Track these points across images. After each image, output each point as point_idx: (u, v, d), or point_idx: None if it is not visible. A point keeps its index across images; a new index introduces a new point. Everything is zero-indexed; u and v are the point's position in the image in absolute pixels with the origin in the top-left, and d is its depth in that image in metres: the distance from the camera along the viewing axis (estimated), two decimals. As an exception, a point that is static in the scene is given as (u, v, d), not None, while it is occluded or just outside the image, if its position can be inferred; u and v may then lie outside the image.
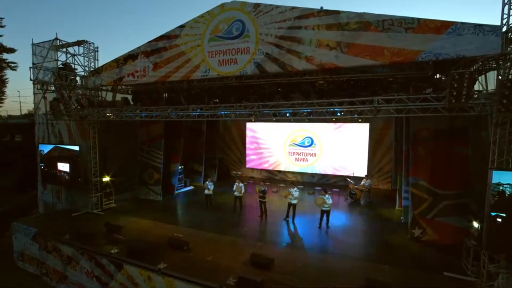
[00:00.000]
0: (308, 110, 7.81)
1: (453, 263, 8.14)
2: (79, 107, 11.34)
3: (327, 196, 10.93)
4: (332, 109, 7.64)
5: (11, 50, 23.14)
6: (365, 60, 7.33)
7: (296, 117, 8.20)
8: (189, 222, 12.39)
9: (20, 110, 40.39)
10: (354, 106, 7.34)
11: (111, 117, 11.33)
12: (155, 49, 10.57)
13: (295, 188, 11.64)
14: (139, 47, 11.00)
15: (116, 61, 11.61)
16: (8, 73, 25.50)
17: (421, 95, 6.75)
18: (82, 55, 13.37)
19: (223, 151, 21.82)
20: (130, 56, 11.22)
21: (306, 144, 19.06)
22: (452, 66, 6.86)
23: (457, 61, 6.53)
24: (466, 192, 9.35)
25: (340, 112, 7.82)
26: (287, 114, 8.33)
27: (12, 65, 23.93)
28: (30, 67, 11.71)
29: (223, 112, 8.97)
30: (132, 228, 11.22)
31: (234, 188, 12.64)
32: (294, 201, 11.49)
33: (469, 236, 7.85)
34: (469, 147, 9.32)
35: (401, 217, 11.91)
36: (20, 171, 21.38)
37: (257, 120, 20.44)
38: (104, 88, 12.91)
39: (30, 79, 11.60)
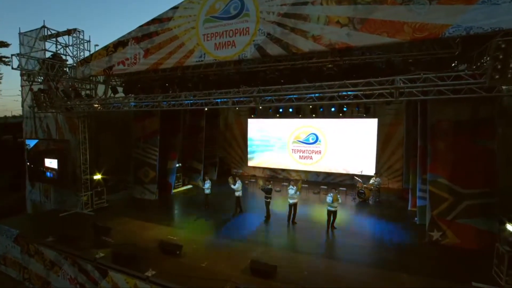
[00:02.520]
0: (317, 95, 6.85)
1: (481, 271, 7.14)
2: (65, 98, 10.44)
3: (330, 195, 10.00)
4: (344, 93, 6.65)
5: (4, 44, 22.36)
6: (381, 37, 6.36)
7: (303, 103, 7.19)
8: (185, 224, 11.48)
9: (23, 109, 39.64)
10: (372, 87, 6.33)
11: (98, 107, 10.43)
12: (147, 34, 9.66)
13: (290, 186, 10.67)
14: (129, 33, 10.09)
15: (105, 48, 10.71)
16: (7, 69, 24.77)
17: (452, 72, 5.76)
18: (72, 45, 12.54)
19: (224, 149, 20.94)
20: (121, 43, 10.32)
21: (311, 141, 18.09)
22: (485, 43, 5.86)
23: (491, 36, 5.54)
24: (491, 191, 8.38)
25: (356, 93, 6.62)
26: (293, 100, 7.27)
27: (6, 59, 23.15)
28: (12, 55, 10.87)
29: (219, 100, 8.05)
30: (123, 229, 10.33)
31: (235, 187, 11.66)
32: (291, 201, 10.58)
33: (501, 240, 6.85)
34: (495, 140, 8.32)
35: (415, 218, 10.93)
36: (16, 170, 20.69)
37: (258, 116, 19.78)
38: (93, 79, 11.98)
39: (12, 68, 10.75)
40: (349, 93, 6.53)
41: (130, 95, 10.60)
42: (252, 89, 7.49)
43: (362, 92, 6.45)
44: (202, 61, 8.59)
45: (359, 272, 7.45)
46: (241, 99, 7.75)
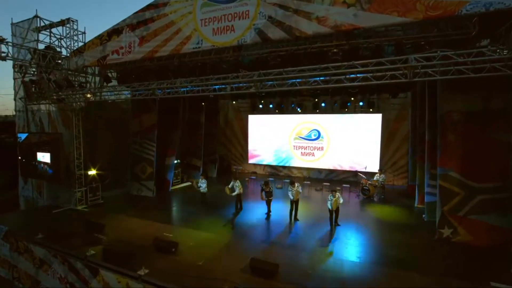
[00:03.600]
0: (322, 78, 6.36)
1: (497, 270, 6.66)
2: (56, 88, 9.97)
3: (337, 195, 9.55)
4: (353, 75, 6.13)
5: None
6: (391, 17, 5.86)
7: (307, 87, 6.66)
8: (182, 221, 11.05)
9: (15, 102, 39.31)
10: (383, 67, 5.82)
11: (91, 97, 9.96)
12: (142, 20, 9.19)
13: (297, 184, 10.21)
14: (124, 20, 9.61)
15: (99, 37, 10.24)
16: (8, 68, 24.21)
17: (474, 49, 5.26)
18: (66, 37, 12.09)
19: (224, 146, 20.48)
20: (115, 31, 9.84)
21: (313, 137, 17.62)
22: (505, 23, 5.37)
23: (512, 15, 5.06)
24: (505, 185, 7.90)
25: (365, 76, 6.05)
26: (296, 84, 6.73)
27: (3, 54, 22.59)
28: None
29: (216, 87, 7.57)
30: (117, 226, 9.87)
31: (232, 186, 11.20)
32: (293, 197, 10.13)
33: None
34: (511, 133, 7.83)
35: (423, 215, 10.45)
36: (16, 168, 20.33)
37: (259, 112, 19.25)
38: (88, 70, 11.50)
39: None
40: (358, 75, 6.03)
41: (120, 85, 10.10)
42: (252, 73, 7.00)
43: (372, 74, 5.96)
44: (199, 47, 8.11)
45: (367, 271, 6.98)
46: (241, 84, 7.28)
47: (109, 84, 9.93)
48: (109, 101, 11.41)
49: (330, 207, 9.59)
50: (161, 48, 8.82)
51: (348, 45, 6.70)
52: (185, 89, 8.15)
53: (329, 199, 9.62)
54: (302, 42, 7.37)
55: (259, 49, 7.95)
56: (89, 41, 10.61)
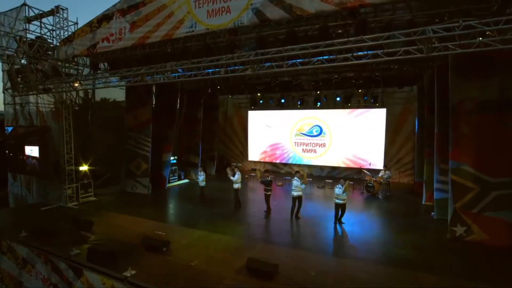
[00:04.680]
0: (326, 57, 5.74)
1: (520, 272, 6.06)
2: (43, 78, 9.39)
3: (346, 183, 8.95)
4: (362, 53, 5.49)
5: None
6: (402, -10, 5.29)
7: (310, 67, 6.02)
8: (177, 219, 10.54)
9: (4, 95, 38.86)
10: (396, 40, 5.17)
11: (79, 86, 9.38)
12: (133, 5, 8.62)
13: (295, 178, 9.59)
14: (114, 5, 9.05)
15: (89, 24, 9.67)
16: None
17: (503, 17, 4.63)
18: (57, 27, 11.53)
19: (224, 143, 19.94)
20: (105, 17, 9.27)
21: (315, 133, 17.06)
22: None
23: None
24: (524, 179, 7.28)
25: (375, 52, 5.38)
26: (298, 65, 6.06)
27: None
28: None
29: (210, 70, 6.97)
30: (108, 224, 9.31)
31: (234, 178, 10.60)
32: (295, 193, 9.49)
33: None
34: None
35: (432, 213, 9.86)
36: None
37: (259, 108, 18.65)
38: (78, 60, 10.92)
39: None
40: (367, 52, 5.41)
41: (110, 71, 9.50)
42: (248, 53, 6.41)
43: (382, 51, 5.34)
44: (193, 31, 7.52)
45: (374, 272, 6.38)
46: (236, 67, 6.67)
47: (97, 72, 9.33)
48: (99, 91, 10.80)
49: (339, 192, 8.88)
50: (152, 33, 8.24)
51: (355, 24, 6.04)
52: (176, 74, 7.56)
53: (338, 187, 8.98)
54: (304, 22, 6.77)
55: (257, 32, 7.33)
56: (79, 28, 10.06)
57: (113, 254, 6.61)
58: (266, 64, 6.34)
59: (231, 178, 10.52)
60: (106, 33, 9.26)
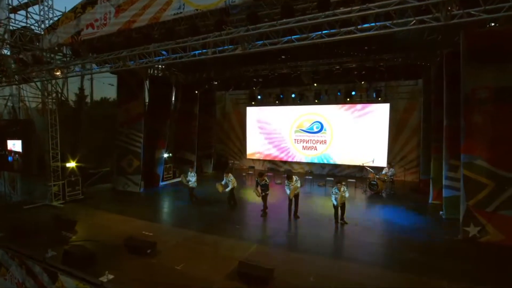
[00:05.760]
0: (326, 32, 5.05)
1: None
2: (22, 66, 8.76)
3: (342, 189, 8.30)
4: (367, 25, 4.81)
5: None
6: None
7: (308, 42, 5.33)
8: (168, 218, 9.90)
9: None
10: (407, 5, 4.41)
11: (59, 74, 8.74)
12: (118, -14, 8.01)
13: (295, 178, 8.93)
14: (99, -12, 8.45)
15: (73, 10, 9.04)
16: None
17: None
18: (44, 18, 10.89)
19: (221, 140, 19.29)
20: (89, 2, 8.64)
21: (315, 130, 16.39)
22: None
23: None
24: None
25: (384, 24, 4.66)
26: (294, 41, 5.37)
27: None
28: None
29: (197, 52, 6.33)
30: (93, 223, 8.70)
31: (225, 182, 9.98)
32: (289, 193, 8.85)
33: None
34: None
35: (441, 212, 9.20)
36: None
37: (258, 104, 17.94)
38: (64, 50, 10.28)
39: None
40: (374, 24, 4.74)
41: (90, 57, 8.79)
42: (238, 29, 5.75)
43: (391, 22, 4.66)
44: (181, 13, 6.87)
45: (381, 276, 5.73)
46: (225, 47, 6.01)
47: (77, 59, 8.68)
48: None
49: (335, 202, 8.35)
50: (138, 17, 7.59)
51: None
52: (160, 57, 6.91)
53: (333, 192, 8.38)
54: (302, 1, 6.09)
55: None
56: (63, 15, 9.43)
57: (90, 256, 5.97)
58: (259, 42, 5.69)
59: (226, 190, 9.86)
60: (90, 18, 8.61)
